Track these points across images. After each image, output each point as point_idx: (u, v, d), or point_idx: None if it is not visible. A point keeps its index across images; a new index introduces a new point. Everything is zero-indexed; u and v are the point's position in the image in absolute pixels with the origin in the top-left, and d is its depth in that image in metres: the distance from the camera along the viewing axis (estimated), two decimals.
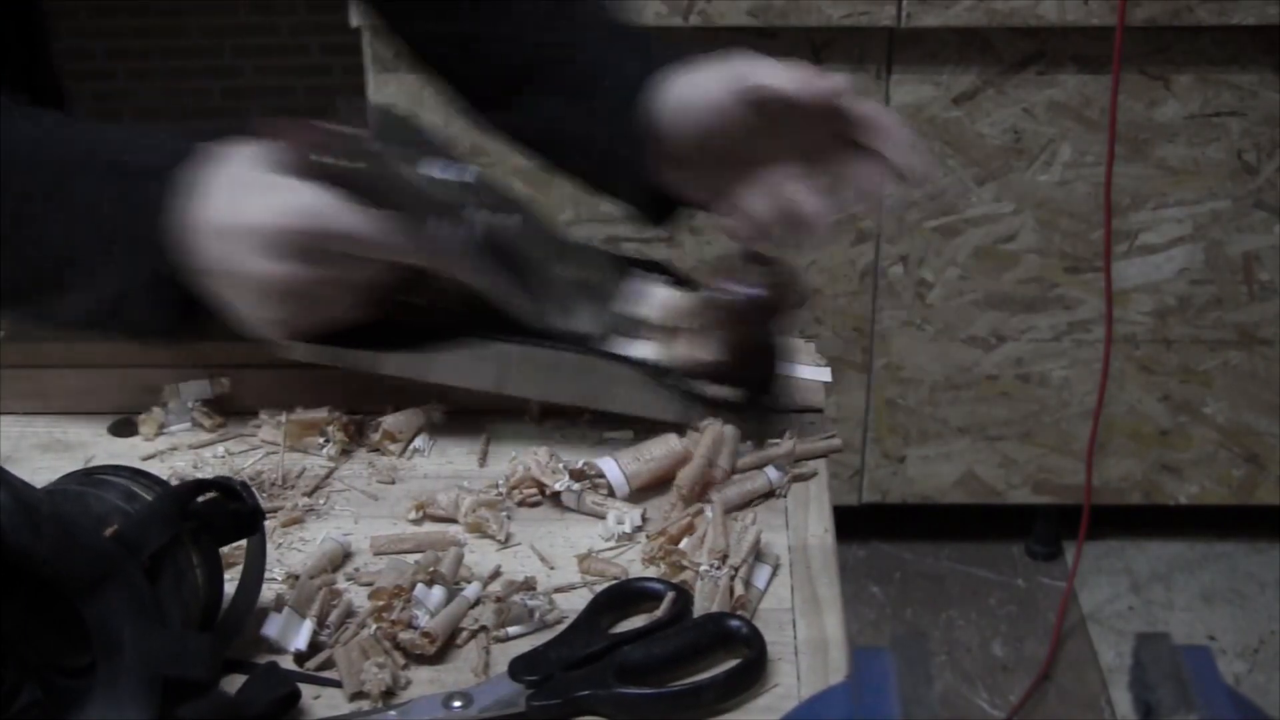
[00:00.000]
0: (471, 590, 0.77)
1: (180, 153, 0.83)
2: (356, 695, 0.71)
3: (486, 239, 0.85)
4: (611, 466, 0.85)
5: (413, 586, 0.75)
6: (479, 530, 0.83)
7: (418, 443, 0.92)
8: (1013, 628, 2.25)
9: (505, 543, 0.83)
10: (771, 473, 0.86)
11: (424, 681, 0.72)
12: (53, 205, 0.83)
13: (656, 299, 0.92)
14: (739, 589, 0.76)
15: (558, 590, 0.79)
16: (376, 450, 0.91)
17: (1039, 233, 2.05)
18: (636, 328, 0.91)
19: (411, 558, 0.79)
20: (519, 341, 0.88)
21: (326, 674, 0.73)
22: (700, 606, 0.76)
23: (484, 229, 0.85)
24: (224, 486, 0.72)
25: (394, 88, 1.93)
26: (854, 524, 2.34)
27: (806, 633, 0.75)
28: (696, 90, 0.83)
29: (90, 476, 0.72)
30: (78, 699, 0.65)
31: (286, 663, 0.73)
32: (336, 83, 2.72)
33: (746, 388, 0.90)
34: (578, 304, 0.90)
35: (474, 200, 0.85)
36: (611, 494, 0.85)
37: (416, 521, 0.85)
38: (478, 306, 0.87)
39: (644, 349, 0.90)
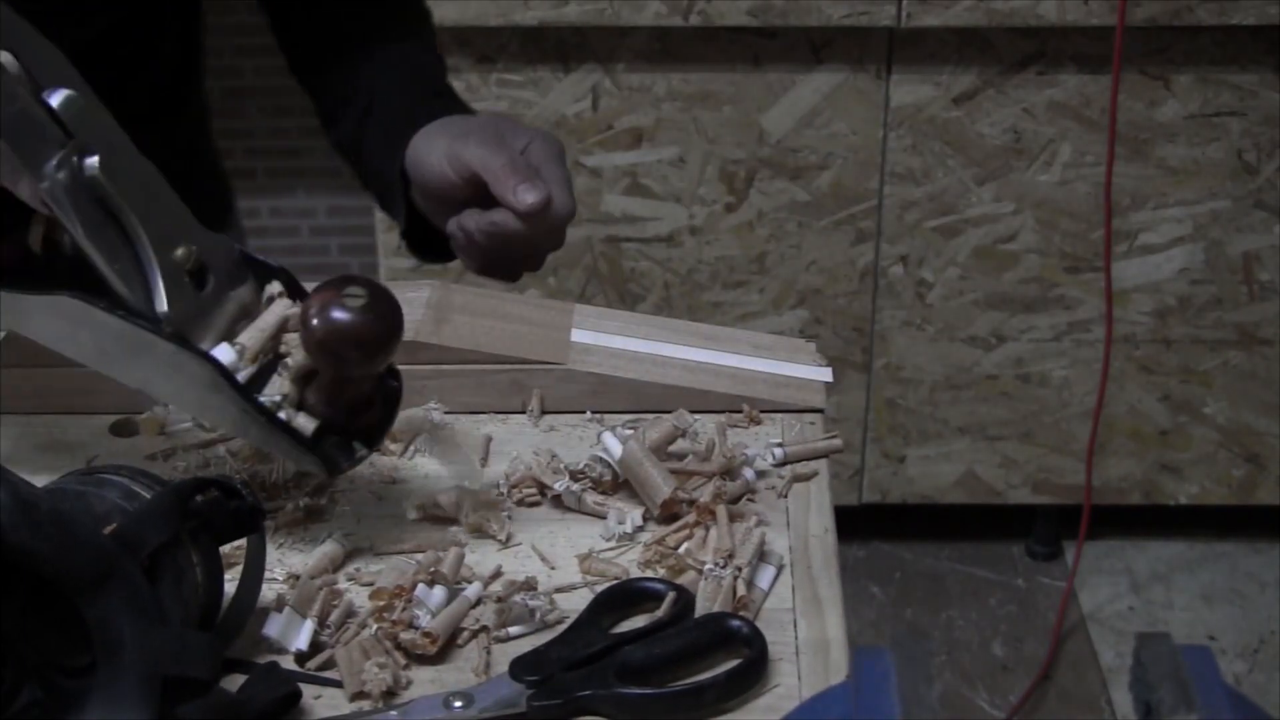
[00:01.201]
0: (472, 590, 0.77)
1: None
2: (357, 695, 0.71)
3: (74, 182, 0.76)
4: (611, 439, 0.85)
5: (414, 586, 0.75)
6: (480, 530, 0.83)
7: (418, 443, 0.92)
8: (1013, 628, 2.25)
9: (506, 543, 0.83)
10: (749, 473, 0.86)
11: (425, 681, 0.72)
12: None
13: (267, 311, 0.83)
14: (741, 589, 0.76)
15: (558, 590, 0.79)
16: (377, 450, 0.91)
17: (1039, 233, 2.05)
18: (234, 334, 0.81)
19: (412, 558, 0.79)
20: (120, 316, 0.78)
21: (327, 674, 0.73)
22: (702, 607, 0.76)
23: (69, 169, 0.76)
24: (224, 485, 0.72)
25: None
26: (854, 524, 2.34)
27: (807, 633, 0.75)
28: (429, 153, 1.01)
29: (90, 475, 0.72)
30: (78, 699, 0.64)
31: (287, 663, 0.73)
32: None
33: (326, 423, 0.79)
34: (183, 289, 0.79)
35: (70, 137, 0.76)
36: (614, 476, 0.85)
37: (417, 521, 0.85)
38: (81, 261, 0.78)
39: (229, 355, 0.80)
